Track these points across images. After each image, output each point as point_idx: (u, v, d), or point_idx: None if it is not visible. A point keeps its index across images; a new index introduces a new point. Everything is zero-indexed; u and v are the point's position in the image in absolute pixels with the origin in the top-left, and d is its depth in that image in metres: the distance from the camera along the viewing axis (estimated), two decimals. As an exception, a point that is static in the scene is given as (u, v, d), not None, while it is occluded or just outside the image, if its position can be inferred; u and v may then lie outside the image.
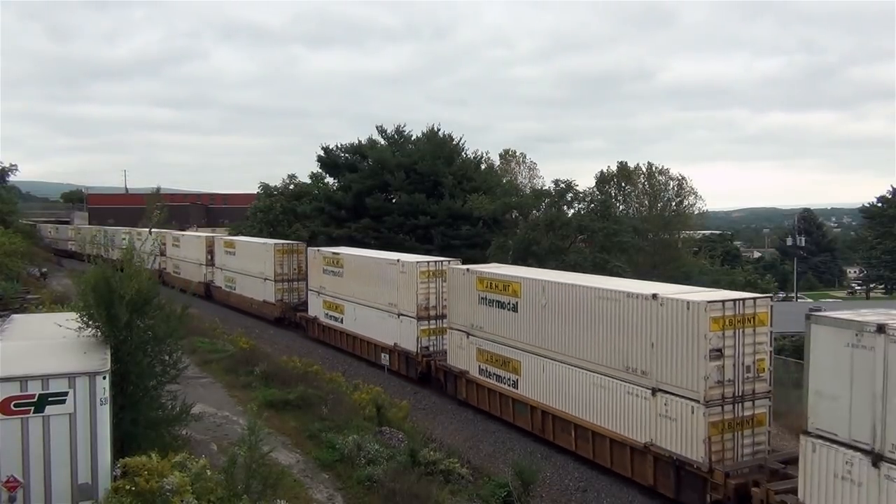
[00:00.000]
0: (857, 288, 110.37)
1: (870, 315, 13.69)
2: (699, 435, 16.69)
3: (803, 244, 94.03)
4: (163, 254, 55.62)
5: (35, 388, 10.70)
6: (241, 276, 45.71)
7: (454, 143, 54.63)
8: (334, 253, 35.87)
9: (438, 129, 54.45)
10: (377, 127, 57.02)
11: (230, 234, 61.00)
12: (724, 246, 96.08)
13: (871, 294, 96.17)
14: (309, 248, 39.02)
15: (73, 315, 13.47)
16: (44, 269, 52.02)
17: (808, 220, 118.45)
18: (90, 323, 13.00)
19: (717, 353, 16.61)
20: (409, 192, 49.82)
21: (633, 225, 50.99)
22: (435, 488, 15.69)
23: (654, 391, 17.78)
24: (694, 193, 72.27)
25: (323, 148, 58.03)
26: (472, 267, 26.40)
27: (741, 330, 16.90)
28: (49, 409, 10.72)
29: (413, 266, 28.87)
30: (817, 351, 14.05)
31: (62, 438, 10.77)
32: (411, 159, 51.22)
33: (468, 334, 25.25)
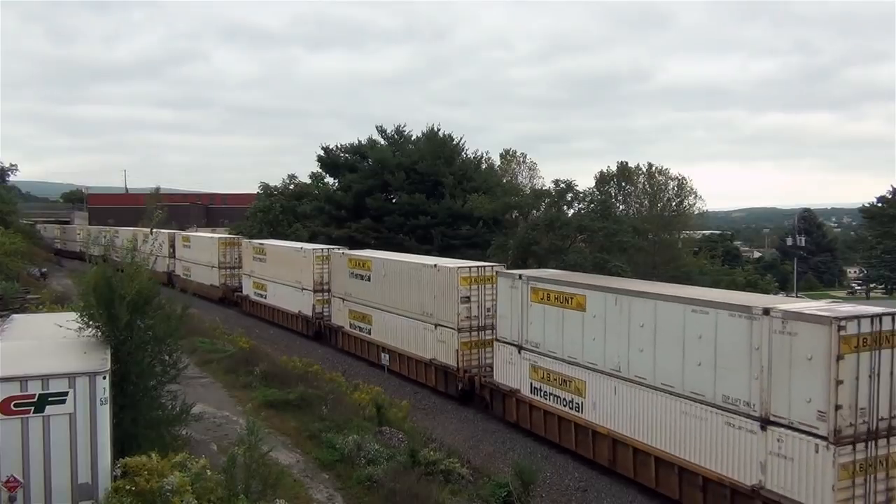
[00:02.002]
0: (857, 288, 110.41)
1: (539, 272, 25.13)
2: (455, 349, 26.13)
3: (803, 244, 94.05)
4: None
5: (35, 388, 10.69)
6: (195, 265, 54.18)
7: (454, 143, 54.67)
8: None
9: (438, 130, 54.50)
10: (377, 127, 57.15)
11: (230, 234, 61.16)
12: (724, 246, 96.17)
13: (872, 294, 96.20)
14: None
15: (74, 315, 13.47)
16: (44, 269, 52.02)
17: (808, 220, 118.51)
18: (90, 323, 13.00)
19: (466, 300, 26.15)
20: (410, 192, 49.86)
21: (633, 225, 50.98)
22: (435, 488, 15.70)
23: (436, 326, 27.27)
24: (694, 193, 72.30)
25: (323, 148, 58.11)
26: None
27: (482, 286, 26.20)
28: (49, 409, 10.72)
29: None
30: (499, 292, 24.23)
31: (62, 438, 10.76)
32: (411, 159, 51.26)
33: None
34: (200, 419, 16.45)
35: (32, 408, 10.67)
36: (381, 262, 31.79)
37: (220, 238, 51.86)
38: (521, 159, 74.36)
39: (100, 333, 12.93)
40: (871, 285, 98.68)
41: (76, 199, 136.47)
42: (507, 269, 28.49)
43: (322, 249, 38.17)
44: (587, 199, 42.03)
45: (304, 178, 63.89)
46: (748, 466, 15.33)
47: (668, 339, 17.38)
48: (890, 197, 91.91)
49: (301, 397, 21.60)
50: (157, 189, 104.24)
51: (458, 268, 26.75)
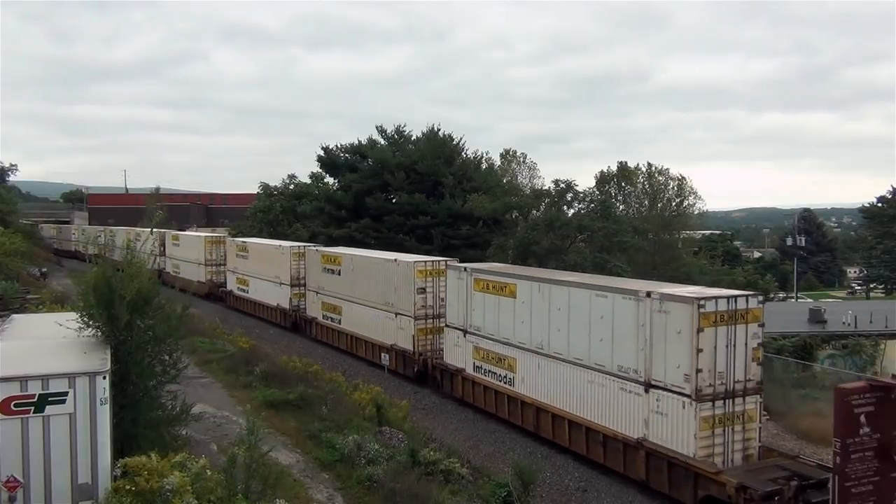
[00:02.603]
0: (857, 288, 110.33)
1: (481, 265, 27.48)
2: (412, 335, 29.01)
3: (803, 244, 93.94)
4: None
5: (35, 388, 10.69)
6: (183, 262, 56.25)
7: (454, 143, 54.62)
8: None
9: (438, 130, 54.45)
10: (377, 127, 57.07)
11: (230, 234, 61.37)
12: (724, 246, 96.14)
13: (872, 294, 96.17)
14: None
15: (74, 315, 13.46)
16: (44, 269, 52.03)
17: (808, 220, 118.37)
18: (90, 323, 12.99)
19: (422, 291, 28.90)
20: (409, 192, 49.83)
21: (633, 225, 50.94)
22: (435, 488, 15.70)
23: (396, 315, 30.12)
24: (694, 193, 72.30)
25: (323, 148, 58.06)
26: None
27: (437, 278, 28.73)
28: (49, 409, 10.71)
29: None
30: (448, 283, 27.07)
31: (62, 438, 10.76)
32: (411, 159, 51.22)
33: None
34: (200, 419, 16.45)
35: (32, 408, 10.66)
36: (349, 258, 34.93)
37: (206, 237, 54.67)
38: (522, 159, 74.41)
39: (100, 333, 12.92)
40: (871, 285, 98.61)
41: (76, 199, 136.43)
42: None
43: (298, 246, 40.87)
44: (587, 199, 42.02)
45: (304, 178, 63.95)
46: (635, 423, 18.47)
47: (578, 319, 20.42)
48: (890, 197, 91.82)
49: (301, 397, 21.62)
50: (157, 189, 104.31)
51: (415, 262, 29.77)
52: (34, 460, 10.64)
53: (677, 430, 17.31)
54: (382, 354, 30.45)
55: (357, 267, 33.78)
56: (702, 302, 16.87)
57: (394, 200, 51.49)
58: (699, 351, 16.73)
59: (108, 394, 11.12)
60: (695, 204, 73.23)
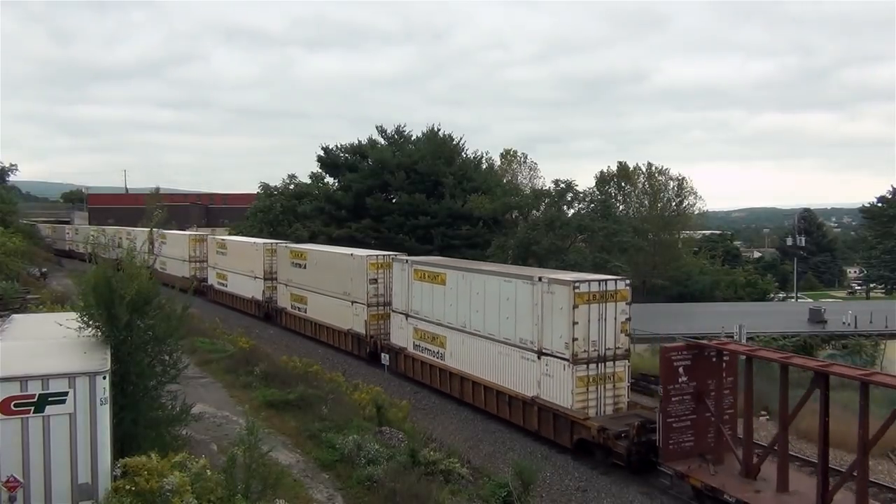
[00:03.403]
0: (857, 288, 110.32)
1: (419, 258, 31.61)
2: (364, 320, 32.66)
3: (803, 244, 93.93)
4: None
5: (35, 388, 10.68)
6: (170, 259, 58.14)
7: (454, 143, 54.58)
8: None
9: (438, 130, 54.42)
10: (377, 127, 57.05)
11: (230, 234, 61.71)
12: (724, 246, 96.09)
13: (872, 294, 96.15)
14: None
15: (73, 315, 13.45)
16: (44, 269, 52.02)
17: (808, 220, 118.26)
18: (90, 323, 12.98)
19: (374, 281, 32.33)
20: (410, 192, 49.81)
21: (633, 225, 50.91)
22: (435, 488, 15.69)
23: (352, 303, 33.79)
24: (694, 193, 72.41)
25: (323, 148, 58.04)
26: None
27: (387, 270, 31.98)
28: (49, 409, 10.70)
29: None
30: (394, 274, 30.47)
31: (62, 438, 10.75)
32: (411, 159, 51.19)
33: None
34: (200, 419, 16.45)
35: (32, 408, 10.65)
36: (313, 253, 38.78)
37: (189, 235, 58.00)
38: (522, 159, 74.45)
39: (100, 333, 12.91)
40: (871, 285, 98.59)
41: (76, 199, 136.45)
42: None
43: (271, 243, 44.83)
44: (587, 200, 41.98)
45: (304, 178, 63.97)
46: (531, 384, 22.30)
47: (491, 301, 24.22)
48: (890, 197, 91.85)
49: (301, 397, 21.59)
50: (157, 189, 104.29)
51: (367, 256, 33.55)
52: (34, 460, 10.64)
53: (560, 388, 21.11)
54: (383, 354, 30.58)
55: (320, 261, 37.39)
56: (576, 284, 20.75)
57: (394, 200, 51.47)
58: (575, 323, 20.54)
59: (108, 394, 11.11)
60: (695, 204, 73.38)
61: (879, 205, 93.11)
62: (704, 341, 19.07)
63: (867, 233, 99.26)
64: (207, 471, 11.83)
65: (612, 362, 21.10)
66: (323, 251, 38.94)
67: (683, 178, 71.98)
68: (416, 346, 28.97)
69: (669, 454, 18.04)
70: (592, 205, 40.11)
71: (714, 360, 18.15)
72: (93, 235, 67.64)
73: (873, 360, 38.40)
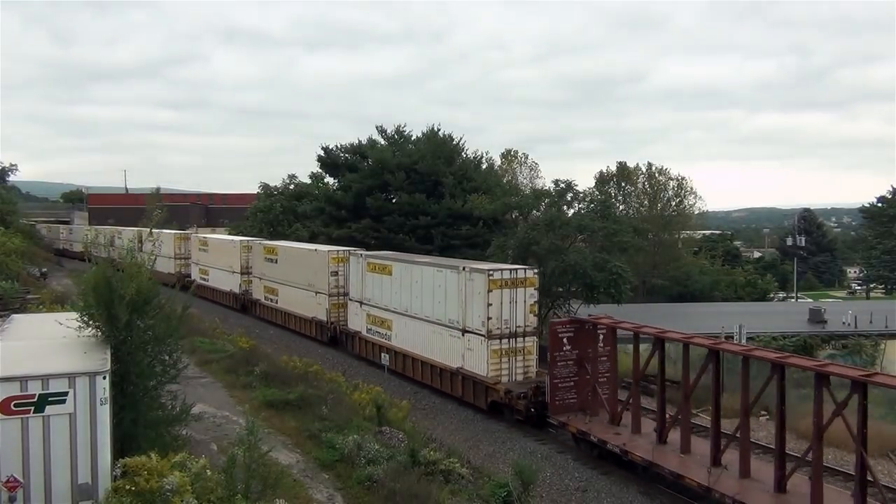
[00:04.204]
0: (857, 288, 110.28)
1: (371, 252, 35.54)
2: (326, 308, 37.03)
3: (803, 244, 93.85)
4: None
5: (35, 388, 10.68)
6: (157, 256, 58.84)
7: (454, 143, 54.50)
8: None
9: (438, 130, 54.35)
10: (377, 127, 56.88)
11: (230, 234, 61.84)
12: (724, 246, 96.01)
13: (872, 294, 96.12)
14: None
15: (74, 315, 13.45)
16: (44, 269, 52.03)
17: (808, 220, 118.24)
18: (90, 323, 12.98)
19: (335, 273, 36.60)
20: (410, 192, 49.72)
21: (633, 225, 50.85)
22: (435, 488, 15.69)
23: (316, 293, 37.98)
24: (693, 193, 72.32)
25: (323, 148, 57.92)
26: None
27: (346, 264, 35.74)
28: (49, 409, 10.70)
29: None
30: (350, 267, 34.61)
31: (62, 438, 10.75)
32: (411, 159, 51.10)
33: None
34: (200, 419, 16.45)
35: (32, 408, 10.65)
36: (283, 249, 42.77)
37: (174, 234, 60.93)
38: (523, 159, 74.37)
39: (100, 333, 12.91)
40: (871, 285, 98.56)
41: (76, 199, 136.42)
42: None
43: (247, 240, 48.94)
44: (587, 200, 41.91)
45: (304, 178, 63.90)
46: (457, 357, 26.45)
47: (427, 289, 28.18)
48: (890, 197, 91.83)
49: (301, 397, 21.59)
50: (158, 189, 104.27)
51: (329, 251, 37.48)
52: (34, 460, 10.63)
53: (478, 359, 25.17)
54: (382, 354, 30.62)
55: (289, 256, 41.38)
56: (491, 272, 24.97)
57: (394, 200, 51.37)
58: (489, 305, 24.62)
59: (108, 394, 11.11)
60: (695, 204, 73.27)
61: (879, 205, 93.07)
62: (583, 317, 23.89)
63: (867, 233, 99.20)
64: (207, 471, 11.83)
65: (521, 338, 25.17)
66: (292, 247, 42.81)
67: (683, 178, 71.91)
68: (368, 330, 32.90)
69: (556, 409, 22.40)
70: (592, 205, 40.02)
71: (592, 332, 22.37)
72: (86, 235, 71.89)
73: (873, 360, 38.38)
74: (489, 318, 24.57)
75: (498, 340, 24.76)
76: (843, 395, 15.44)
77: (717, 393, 18.42)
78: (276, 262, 42.72)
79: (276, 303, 42.79)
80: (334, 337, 36.58)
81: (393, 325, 30.67)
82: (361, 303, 33.44)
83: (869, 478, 15.05)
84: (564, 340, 22.38)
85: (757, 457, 19.33)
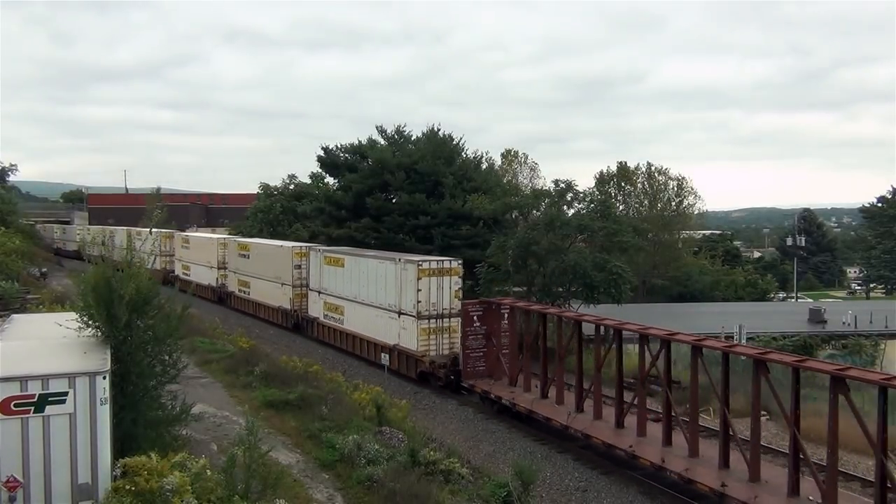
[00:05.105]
0: (856, 288, 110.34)
1: (328, 247, 40.35)
2: (290, 298, 41.31)
3: (803, 244, 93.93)
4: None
5: (35, 388, 10.68)
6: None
7: (454, 143, 54.47)
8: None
9: (438, 130, 54.33)
10: (377, 127, 56.78)
11: (230, 234, 61.80)
12: (724, 246, 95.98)
13: (872, 294, 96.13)
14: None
15: (73, 315, 13.44)
16: (44, 269, 52.00)
17: (808, 220, 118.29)
18: (90, 323, 12.97)
19: (298, 267, 40.63)
20: (410, 192, 49.68)
21: (633, 225, 50.83)
22: (435, 488, 15.69)
23: (282, 285, 42.37)
24: (693, 193, 72.34)
25: (323, 148, 57.85)
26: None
27: (309, 258, 39.68)
28: (49, 409, 10.70)
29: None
30: (310, 261, 39.12)
31: (62, 438, 10.75)
32: (411, 159, 51.05)
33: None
34: (200, 419, 16.44)
35: (32, 408, 10.65)
36: (254, 245, 47.47)
37: (160, 232, 62.90)
38: (523, 159, 74.36)
39: (99, 333, 12.90)
40: (871, 285, 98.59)
41: (76, 199, 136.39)
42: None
43: (224, 238, 53.77)
44: (587, 200, 41.90)
45: (304, 178, 63.89)
46: (394, 335, 30.55)
47: (373, 278, 32.31)
48: (890, 197, 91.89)
49: (301, 397, 21.56)
50: (158, 189, 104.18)
51: (293, 246, 42.20)
52: (34, 460, 10.64)
53: (411, 337, 29.25)
54: (382, 355, 30.67)
55: (259, 252, 45.71)
56: (420, 263, 29.32)
57: (394, 200, 51.32)
58: (419, 290, 28.79)
59: (108, 394, 11.11)
60: (694, 204, 73.27)
61: (879, 205, 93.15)
62: (490, 299, 28.46)
63: (867, 233, 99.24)
64: (207, 471, 11.84)
65: (447, 318, 29.18)
66: (261, 244, 47.29)
67: (683, 178, 71.93)
68: (325, 316, 37.27)
69: (468, 375, 26.95)
70: (592, 205, 40.00)
71: (497, 311, 26.76)
72: (78, 234, 75.40)
73: (873, 360, 38.38)
74: (419, 302, 28.80)
75: (427, 320, 28.90)
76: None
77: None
78: (249, 257, 47.17)
79: (249, 294, 47.34)
80: (297, 323, 40.73)
81: (345, 310, 34.91)
82: (320, 292, 37.72)
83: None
84: (475, 318, 26.73)
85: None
